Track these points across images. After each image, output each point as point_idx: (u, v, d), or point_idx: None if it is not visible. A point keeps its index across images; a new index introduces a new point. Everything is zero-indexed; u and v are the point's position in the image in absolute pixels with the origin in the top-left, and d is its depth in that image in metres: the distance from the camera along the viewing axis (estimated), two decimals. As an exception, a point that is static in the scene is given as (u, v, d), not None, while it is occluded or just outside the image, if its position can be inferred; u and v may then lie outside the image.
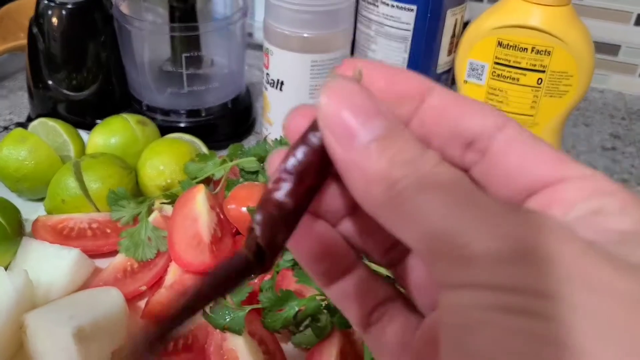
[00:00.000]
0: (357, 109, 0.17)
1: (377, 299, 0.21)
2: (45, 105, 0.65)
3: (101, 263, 0.48)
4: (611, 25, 0.80)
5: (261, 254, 0.17)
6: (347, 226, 0.21)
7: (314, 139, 0.18)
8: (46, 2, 0.61)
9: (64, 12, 0.61)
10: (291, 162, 0.17)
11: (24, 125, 0.66)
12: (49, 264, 0.44)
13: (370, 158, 0.16)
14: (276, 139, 0.52)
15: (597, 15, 0.80)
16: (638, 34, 0.80)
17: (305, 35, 0.54)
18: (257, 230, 0.17)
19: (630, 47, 0.81)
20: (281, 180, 0.17)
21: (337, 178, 0.18)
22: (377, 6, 0.54)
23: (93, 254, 0.47)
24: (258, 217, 0.17)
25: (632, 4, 0.78)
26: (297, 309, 0.40)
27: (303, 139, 0.18)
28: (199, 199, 0.47)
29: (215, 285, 0.17)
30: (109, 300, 0.40)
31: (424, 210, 0.15)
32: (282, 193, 0.17)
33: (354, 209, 0.20)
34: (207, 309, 0.40)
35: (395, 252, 0.21)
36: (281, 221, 0.17)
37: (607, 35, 0.81)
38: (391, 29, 0.54)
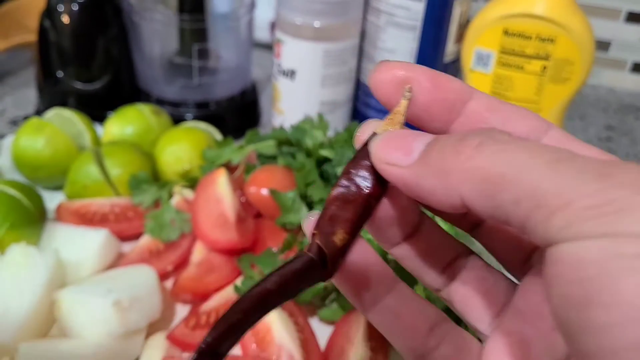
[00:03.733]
0: (404, 135, 0.18)
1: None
2: (55, 98, 0.66)
3: (123, 247, 0.48)
4: (602, 22, 0.83)
5: (323, 257, 0.17)
6: (402, 251, 0.21)
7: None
8: (58, -5, 0.62)
9: (75, 5, 0.62)
10: (353, 172, 0.18)
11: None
12: (77, 244, 0.44)
13: (437, 154, 0.16)
14: (292, 125, 0.53)
15: (588, 12, 0.82)
16: (628, 31, 0.83)
17: (316, 24, 0.56)
18: (318, 233, 0.17)
19: (620, 43, 0.85)
20: (342, 187, 0.18)
21: (390, 208, 0.19)
22: (387, -3, 0.56)
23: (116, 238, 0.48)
24: (318, 221, 0.18)
25: (622, 1, 0.82)
26: (326, 280, 0.41)
27: (364, 153, 0.18)
28: (221, 181, 0.48)
29: (283, 285, 0.16)
30: (142, 276, 0.41)
31: (526, 169, 0.14)
32: (342, 199, 0.18)
33: (409, 234, 0.21)
34: (238, 282, 0.41)
35: (450, 272, 0.21)
36: (340, 224, 0.17)
37: (598, 31, 0.84)
38: (400, 19, 0.56)
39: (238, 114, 0.70)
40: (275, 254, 0.42)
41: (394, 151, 0.17)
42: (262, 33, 0.91)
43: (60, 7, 0.62)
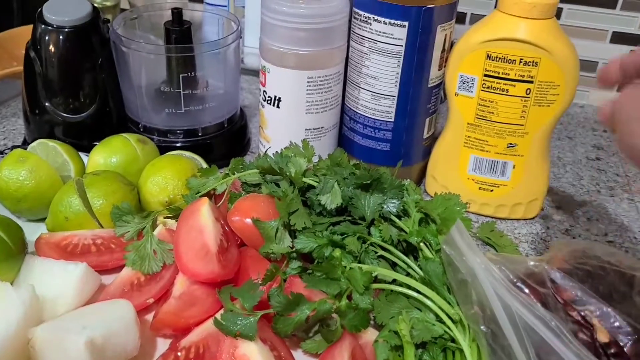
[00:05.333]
0: None
1: None
2: (42, 128, 0.66)
3: (106, 279, 0.48)
4: (589, 43, 0.84)
5: None
6: None
7: None
8: (43, 26, 0.62)
9: (61, 35, 0.62)
10: None
11: (22, 148, 0.66)
12: (55, 279, 0.44)
13: None
14: (276, 152, 0.53)
15: (576, 34, 0.83)
16: (614, 51, 0.83)
17: (301, 52, 0.56)
18: None
19: (607, 64, 0.85)
20: None
21: None
22: (370, 23, 0.56)
23: (98, 270, 0.47)
24: None
25: (608, 22, 0.82)
26: (308, 312, 0.40)
27: None
28: (204, 210, 0.47)
29: None
30: (119, 311, 0.40)
31: None
32: None
33: None
34: (218, 315, 0.40)
35: None
36: None
37: (586, 52, 0.84)
38: (384, 44, 0.56)
39: (226, 141, 0.69)
40: (256, 285, 0.41)
41: None
42: (253, 59, 0.91)
43: (46, 38, 0.62)
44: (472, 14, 0.89)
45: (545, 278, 0.44)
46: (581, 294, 0.43)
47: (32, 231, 0.53)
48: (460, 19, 0.89)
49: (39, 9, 0.63)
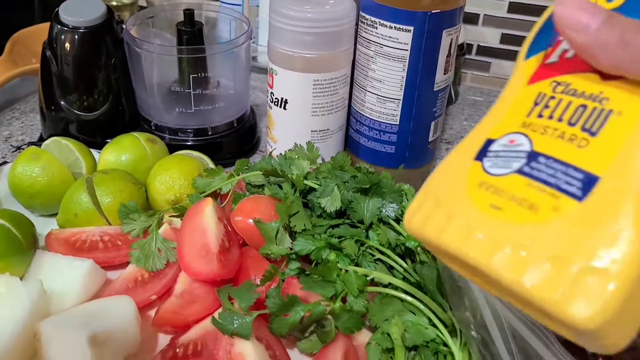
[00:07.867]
0: (583, 8, 0.25)
1: None
2: (57, 125, 0.68)
3: (112, 275, 0.49)
4: None
5: None
6: None
7: None
8: (59, 26, 0.64)
9: (76, 36, 0.63)
10: None
11: (36, 144, 0.68)
12: (62, 274, 0.45)
13: (606, 33, 0.24)
14: (281, 154, 0.54)
15: None
16: None
17: (307, 55, 0.57)
18: None
19: None
20: None
21: None
22: (376, 27, 0.57)
23: (104, 266, 0.49)
24: None
25: None
26: (302, 314, 0.41)
27: None
28: (207, 211, 0.49)
29: None
30: (121, 308, 0.42)
31: None
32: None
33: None
34: (216, 314, 0.42)
35: None
36: None
37: None
38: (389, 49, 0.57)
39: (236, 140, 0.71)
40: (254, 286, 0.43)
41: (575, 18, 0.25)
42: (266, 58, 0.92)
43: (62, 38, 0.64)
44: (484, 14, 0.89)
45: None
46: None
47: (44, 226, 0.55)
48: (473, 19, 0.88)
49: (56, 9, 0.65)
